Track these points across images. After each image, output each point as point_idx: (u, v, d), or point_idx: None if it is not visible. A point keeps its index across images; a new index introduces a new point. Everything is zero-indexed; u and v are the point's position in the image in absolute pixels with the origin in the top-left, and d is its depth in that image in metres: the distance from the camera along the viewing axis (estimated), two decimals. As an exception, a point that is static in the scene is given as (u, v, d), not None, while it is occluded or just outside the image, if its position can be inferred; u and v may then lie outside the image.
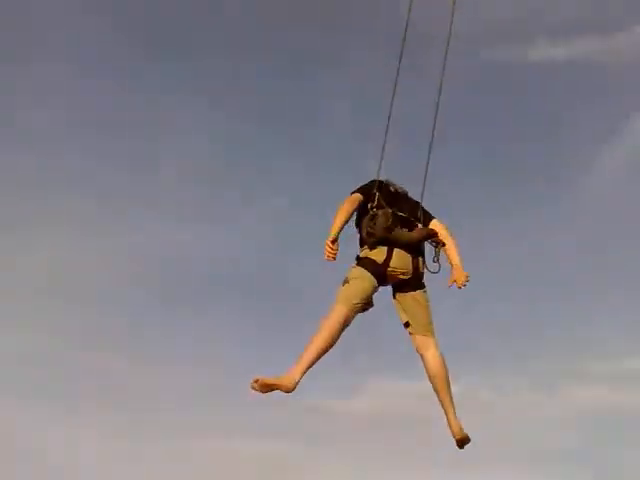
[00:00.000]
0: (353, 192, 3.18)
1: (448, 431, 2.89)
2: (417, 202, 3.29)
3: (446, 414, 2.90)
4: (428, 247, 3.19)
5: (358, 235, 3.19)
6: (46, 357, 10.37)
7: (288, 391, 2.57)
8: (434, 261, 3.15)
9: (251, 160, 11.73)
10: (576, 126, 12.55)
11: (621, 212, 12.49)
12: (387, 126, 3.35)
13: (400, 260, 3.03)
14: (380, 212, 3.06)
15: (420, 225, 3.24)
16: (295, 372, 2.58)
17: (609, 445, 9.69)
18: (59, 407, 9.71)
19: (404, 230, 3.11)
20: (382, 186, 3.22)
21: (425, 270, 3.12)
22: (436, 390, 2.94)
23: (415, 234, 3.14)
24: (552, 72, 12.62)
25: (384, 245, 3.02)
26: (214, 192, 11.66)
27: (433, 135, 3.31)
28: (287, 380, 2.56)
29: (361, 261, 3.04)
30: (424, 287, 3.05)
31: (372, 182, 3.24)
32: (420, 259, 3.11)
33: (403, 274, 2.99)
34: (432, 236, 3.18)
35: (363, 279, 2.90)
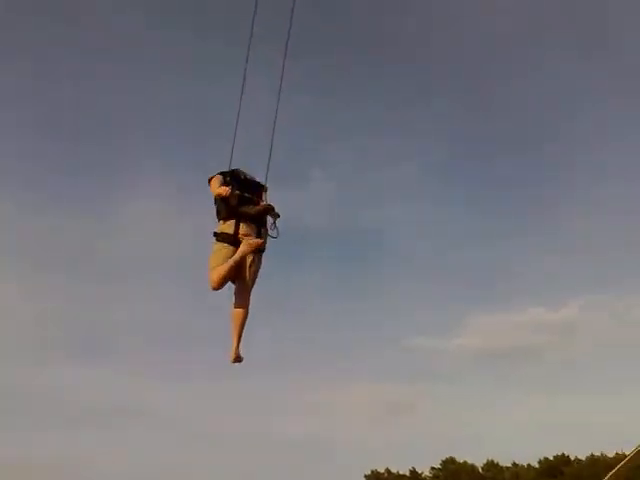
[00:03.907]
0: (212, 176, 4.60)
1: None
2: (263, 185, 4.71)
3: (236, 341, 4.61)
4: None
5: (215, 212, 4.62)
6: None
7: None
8: (272, 229, 4.61)
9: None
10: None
11: None
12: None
13: (247, 229, 4.53)
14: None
15: (263, 202, 4.60)
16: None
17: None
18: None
19: (249, 207, 4.50)
20: (233, 174, 4.63)
21: (267, 235, 4.59)
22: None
23: (254, 210, 4.53)
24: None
25: (232, 219, 4.51)
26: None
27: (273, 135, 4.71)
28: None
29: (218, 236, 4.55)
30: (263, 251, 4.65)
31: (223, 172, 4.60)
32: (262, 229, 4.58)
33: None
34: (270, 210, 4.57)
35: (221, 250, 4.49)
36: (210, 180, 4.62)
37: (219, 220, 4.62)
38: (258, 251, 4.60)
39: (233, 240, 4.52)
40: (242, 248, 4.50)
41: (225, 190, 4.45)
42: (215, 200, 4.60)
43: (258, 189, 4.73)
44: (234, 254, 4.50)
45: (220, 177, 4.60)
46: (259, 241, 4.56)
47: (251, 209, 4.54)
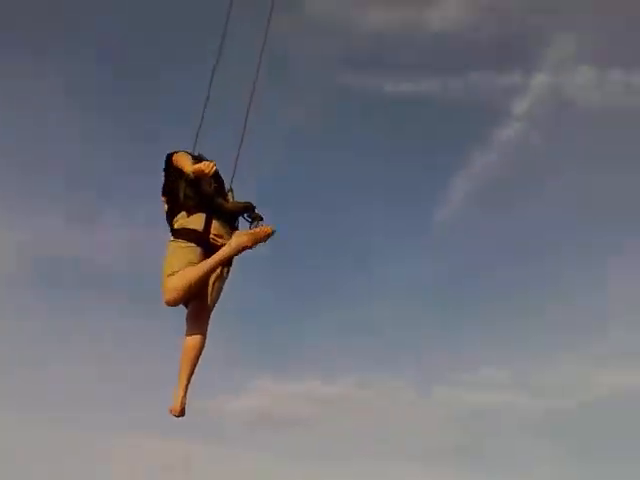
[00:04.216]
0: (175, 152, 3.08)
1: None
2: (225, 183, 3.19)
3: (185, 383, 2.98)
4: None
5: (166, 205, 3.08)
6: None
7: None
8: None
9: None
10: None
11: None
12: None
13: (219, 229, 2.96)
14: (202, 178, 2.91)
15: (231, 200, 3.16)
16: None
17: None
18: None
19: (222, 200, 3.05)
20: (199, 159, 3.04)
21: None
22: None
23: (233, 205, 3.09)
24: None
25: (201, 212, 2.95)
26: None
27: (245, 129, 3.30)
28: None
29: (179, 232, 2.94)
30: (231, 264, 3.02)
31: (186, 152, 3.10)
32: (235, 232, 3.02)
33: (224, 244, 2.88)
34: (250, 210, 3.09)
35: (183, 249, 2.87)
36: (172, 156, 3.10)
37: (179, 212, 3.01)
38: (227, 264, 3.04)
39: (201, 240, 2.93)
40: (239, 239, 2.89)
41: (209, 165, 2.85)
42: (170, 186, 3.08)
43: (224, 188, 3.22)
44: (203, 258, 2.88)
45: (187, 154, 3.08)
46: (269, 229, 2.95)
47: (228, 203, 3.10)
